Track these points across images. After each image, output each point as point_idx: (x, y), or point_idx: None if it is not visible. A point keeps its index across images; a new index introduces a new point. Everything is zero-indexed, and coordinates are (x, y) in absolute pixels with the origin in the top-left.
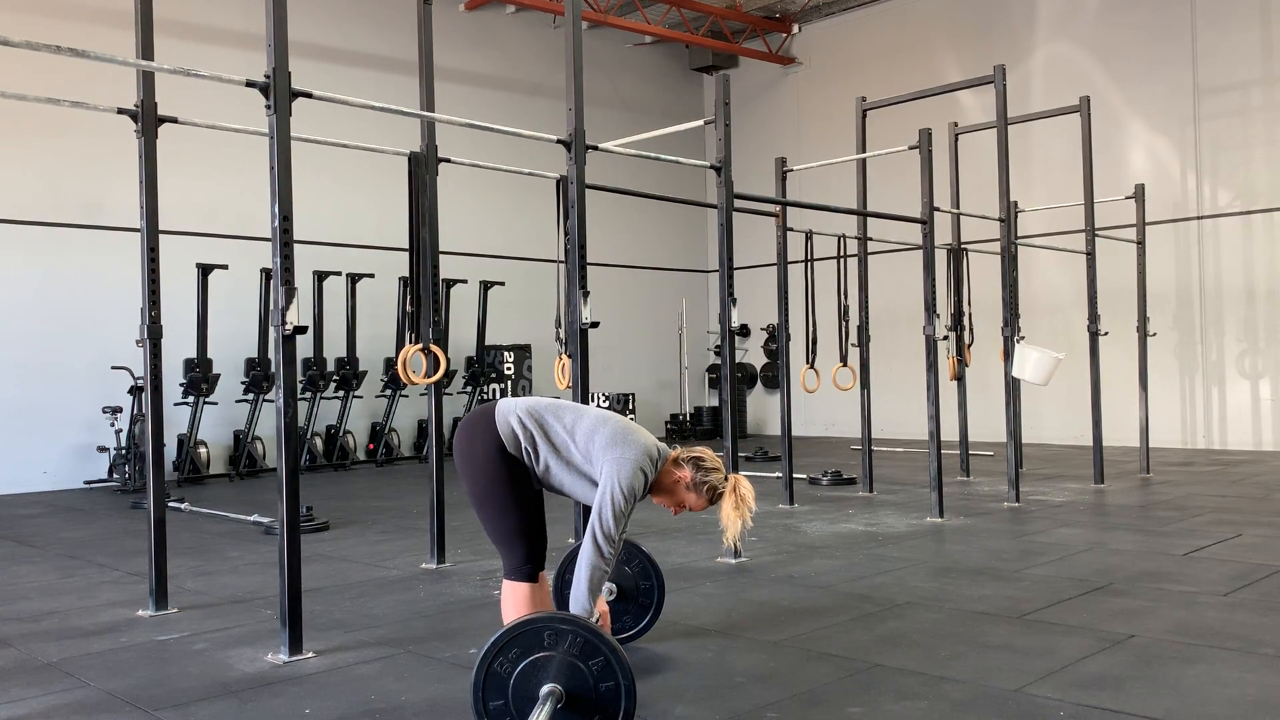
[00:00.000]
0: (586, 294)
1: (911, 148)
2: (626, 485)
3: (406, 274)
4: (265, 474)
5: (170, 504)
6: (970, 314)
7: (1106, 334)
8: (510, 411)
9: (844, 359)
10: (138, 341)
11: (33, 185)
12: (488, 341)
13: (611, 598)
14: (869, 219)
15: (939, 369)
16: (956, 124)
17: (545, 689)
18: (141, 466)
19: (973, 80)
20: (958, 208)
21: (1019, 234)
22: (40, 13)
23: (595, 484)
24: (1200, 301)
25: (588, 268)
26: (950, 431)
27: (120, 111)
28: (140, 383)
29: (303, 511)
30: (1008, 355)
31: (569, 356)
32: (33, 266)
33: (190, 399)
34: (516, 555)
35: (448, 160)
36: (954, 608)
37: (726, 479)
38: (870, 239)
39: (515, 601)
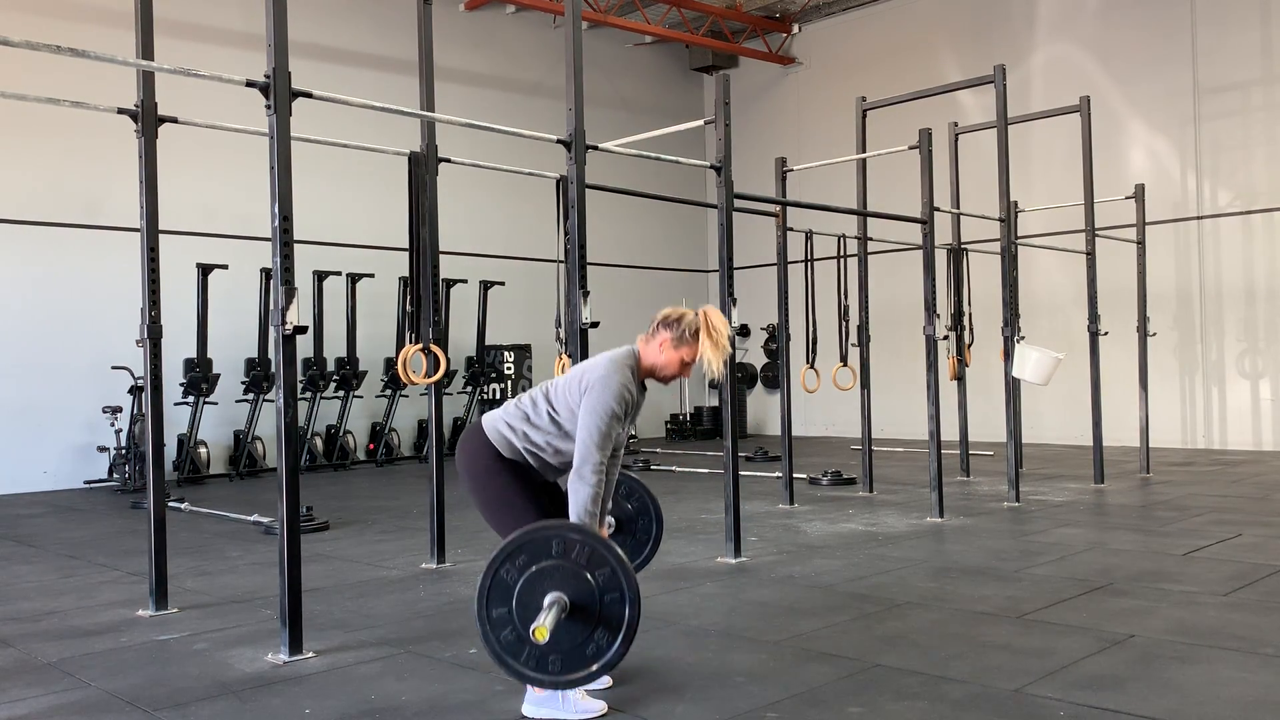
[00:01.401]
0: (586, 294)
1: (911, 148)
2: (604, 407)
3: (406, 274)
4: (265, 474)
5: (170, 504)
6: (970, 314)
7: (1106, 334)
8: (497, 419)
9: (844, 359)
10: (138, 341)
11: (33, 185)
12: (488, 341)
13: (610, 531)
14: (869, 219)
15: (939, 369)
16: (956, 124)
17: (550, 597)
18: (141, 466)
19: (973, 80)
20: (958, 208)
21: (1019, 234)
22: (40, 13)
23: None
24: (1200, 301)
25: (588, 268)
26: (950, 431)
27: (120, 111)
28: (140, 383)
29: (303, 511)
30: (1008, 355)
31: (569, 356)
32: (33, 266)
33: (190, 399)
34: None
35: (448, 160)
36: (954, 608)
37: (697, 314)
38: (870, 239)
39: None
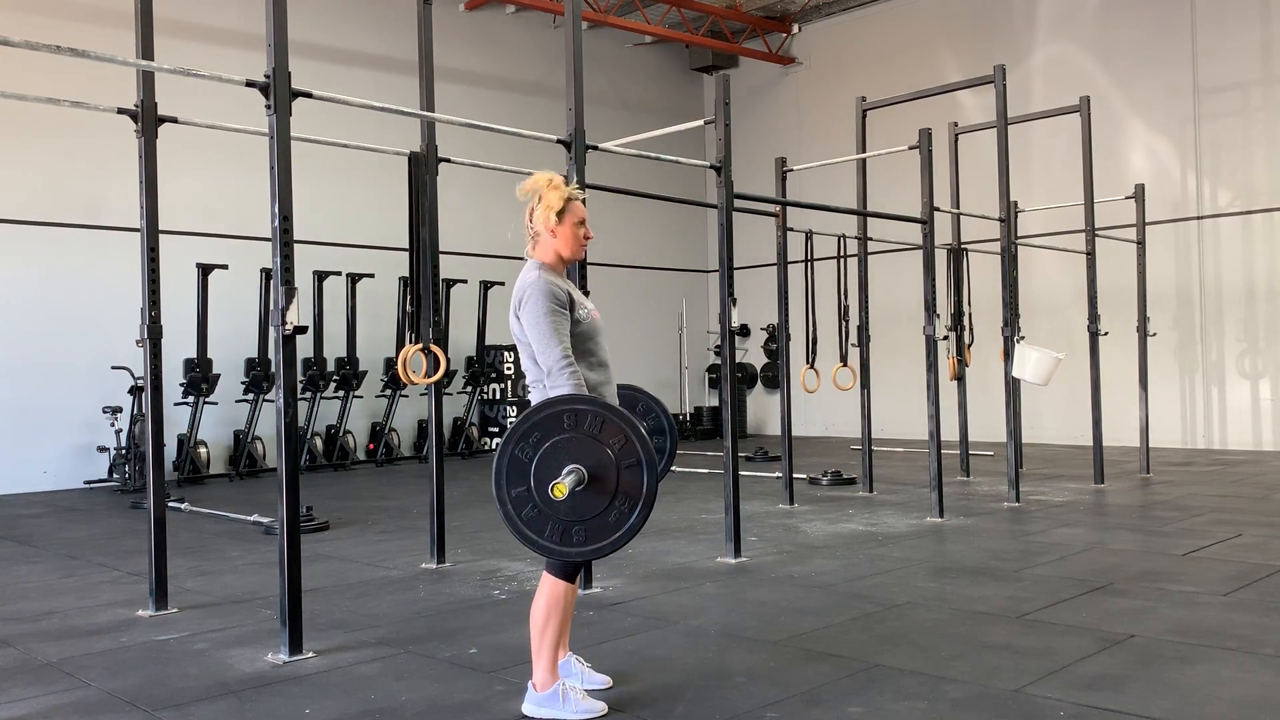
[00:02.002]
0: (587, 294)
1: (911, 148)
2: (540, 306)
3: (406, 274)
4: (265, 474)
5: (170, 504)
6: (970, 314)
7: (1106, 334)
8: (532, 396)
9: (844, 359)
10: (138, 341)
11: (33, 185)
12: (488, 341)
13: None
14: (869, 219)
15: (939, 369)
16: (956, 124)
17: (568, 468)
18: (141, 466)
19: (973, 80)
20: (958, 208)
21: (1019, 234)
22: (40, 13)
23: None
24: (1200, 301)
25: (588, 268)
26: (950, 431)
27: (120, 111)
28: (140, 383)
29: (303, 511)
30: (1008, 355)
31: None
32: (33, 266)
33: (190, 399)
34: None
35: (448, 160)
36: (954, 608)
37: (542, 181)
38: (870, 239)
39: (551, 597)
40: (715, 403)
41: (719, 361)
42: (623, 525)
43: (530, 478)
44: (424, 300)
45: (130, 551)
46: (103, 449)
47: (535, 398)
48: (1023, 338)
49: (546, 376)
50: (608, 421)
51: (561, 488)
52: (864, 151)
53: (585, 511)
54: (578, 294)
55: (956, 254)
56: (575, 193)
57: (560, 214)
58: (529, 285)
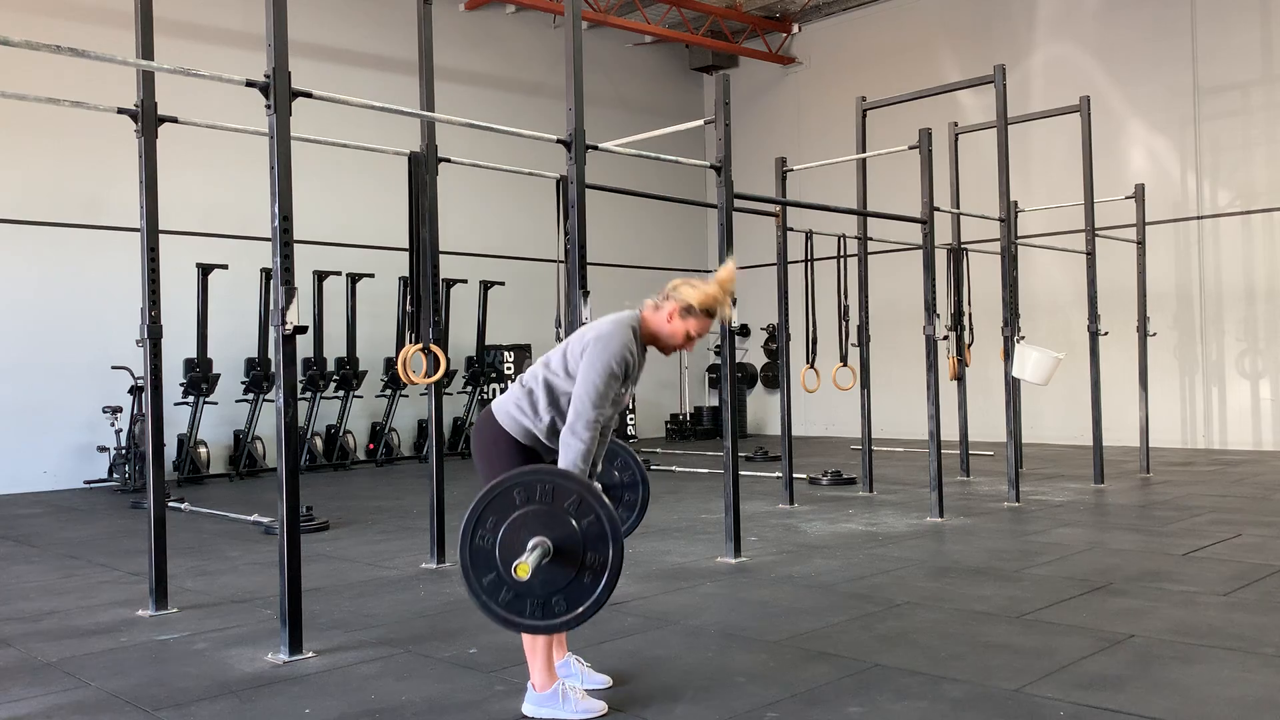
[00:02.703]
0: (586, 294)
1: (911, 148)
2: (603, 365)
3: (406, 274)
4: (265, 474)
5: (170, 504)
6: (970, 314)
7: (1106, 334)
8: (507, 404)
9: (844, 359)
10: (138, 341)
11: (33, 185)
12: (488, 341)
13: None
14: (869, 219)
15: (939, 369)
16: (956, 124)
17: (534, 541)
18: (141, 466)
19: (973, 80)
20: (958, 208)
21: (1019, 234)
22: (40, 13)
23: None
24: (1200, 301)
25: (588, 268)
26: (950, 431)
27: (120, 111)
28: (140, 383)
29: (303, 511)
30: (1008, 355)
31: None
32: (33, 266)
33: (190, 399)
34: None
35: (448, 160)
36: (954, 608)
37: (707, 284)
38: (870, 239)
39: None
40: (715, 403)
41: (719, 361)
42: (599, 581)
43: (497, 564)
44: (424, 300)
45: (130, 551)
46: (103, 449)
47: (513, 406)
48: (1023, 338)
49: (570, 420)
50: (558, 486)
51: (524, 567)
52: (864, 151)
53: (560, 580)
54: (640, 361)
55: (956, 254)
56: (724, 311)
57: (693, 312)
58: (612, 333)
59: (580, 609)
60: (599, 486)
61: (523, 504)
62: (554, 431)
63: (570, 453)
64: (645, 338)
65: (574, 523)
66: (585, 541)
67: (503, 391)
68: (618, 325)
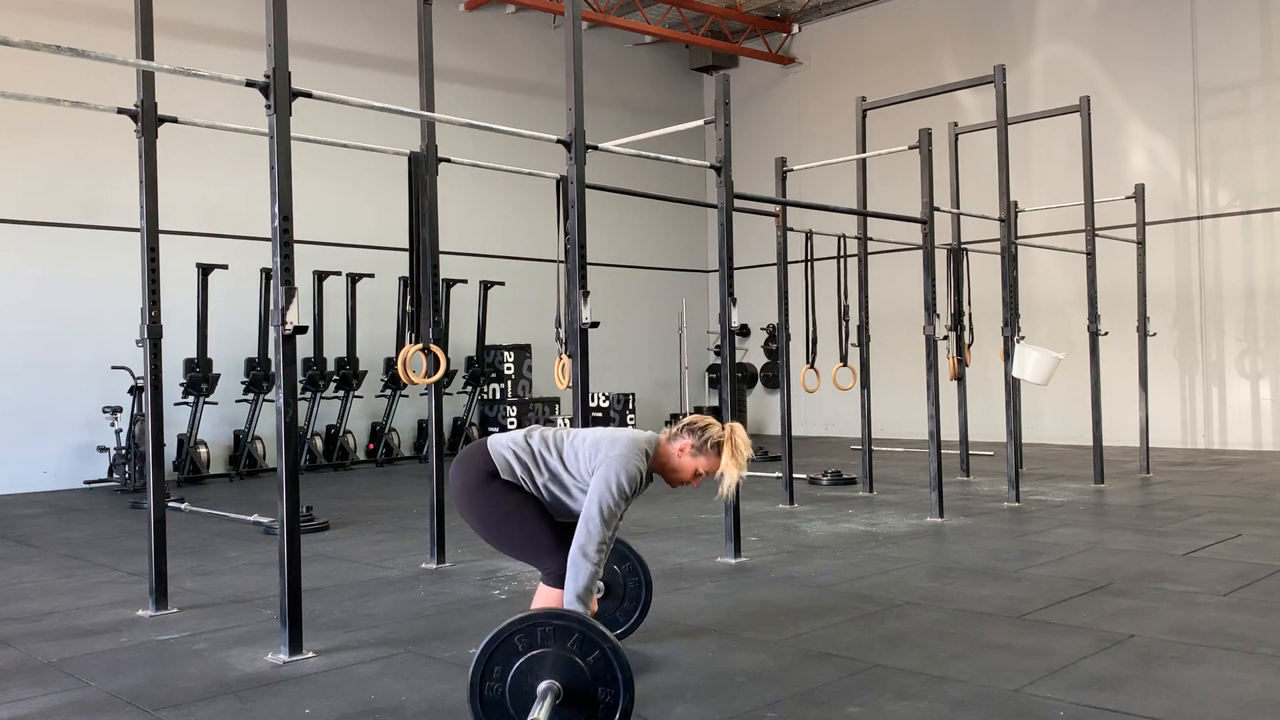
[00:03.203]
0: (586, 294)
1: (911, 148)
2: (617, 485)
3: (406, 274)
4: (265, 474)
5: (170, 504)
6: (970, 314)
7: (1106, 334)
8: (504, 446)
9: (844, 359)
10: (138, 341)
11: (33, 185)
12: (488, 341)
13: (600, 595)
14: (869, 219)
15: (939, 369)
16: (956, 124)
17: (541, 687)
18: (141, 466)
19: (973, 80)
20: (958, 208)
21: (1019, 234)
22: (40, 13)
23: None
24: (1200, 301)
25: (588, 268)
26: (950, 431)
27: (120, 111)
28: (140, 383)
29: (303, 511)
30: (1008, 355)
31: (569, 356)
32: (33, 266)
33: (190, 399)
34: (549, 566)
35: (448, 160)
36: (954, 608)
37: (723, 428)
38: (870, 239)
39: (547, 603)
40: (715, 403)
41: (719, 361)
42: (617, 706)
43: (510, 711)
44: (424, 300)
45: (130, 551)
46: (103, 449)
47: (509, 453)
48: (1023, 338)
49: (581, 542)
50: (557, 628)
51: None
52: (864, 151)
53: (578, 718)
54: (643, 489)
55: (956, 254)
56: (730, 468)
57: (704, 452)
58: (630, 455)
59: None
60: (622, 653)
61: (525, 650)
62: (535, 491)
63: (582, 576)
64: (655, 465)
65: (580, 661)
66: (594, 678)
67: (502, 393)
68: (635, 446)
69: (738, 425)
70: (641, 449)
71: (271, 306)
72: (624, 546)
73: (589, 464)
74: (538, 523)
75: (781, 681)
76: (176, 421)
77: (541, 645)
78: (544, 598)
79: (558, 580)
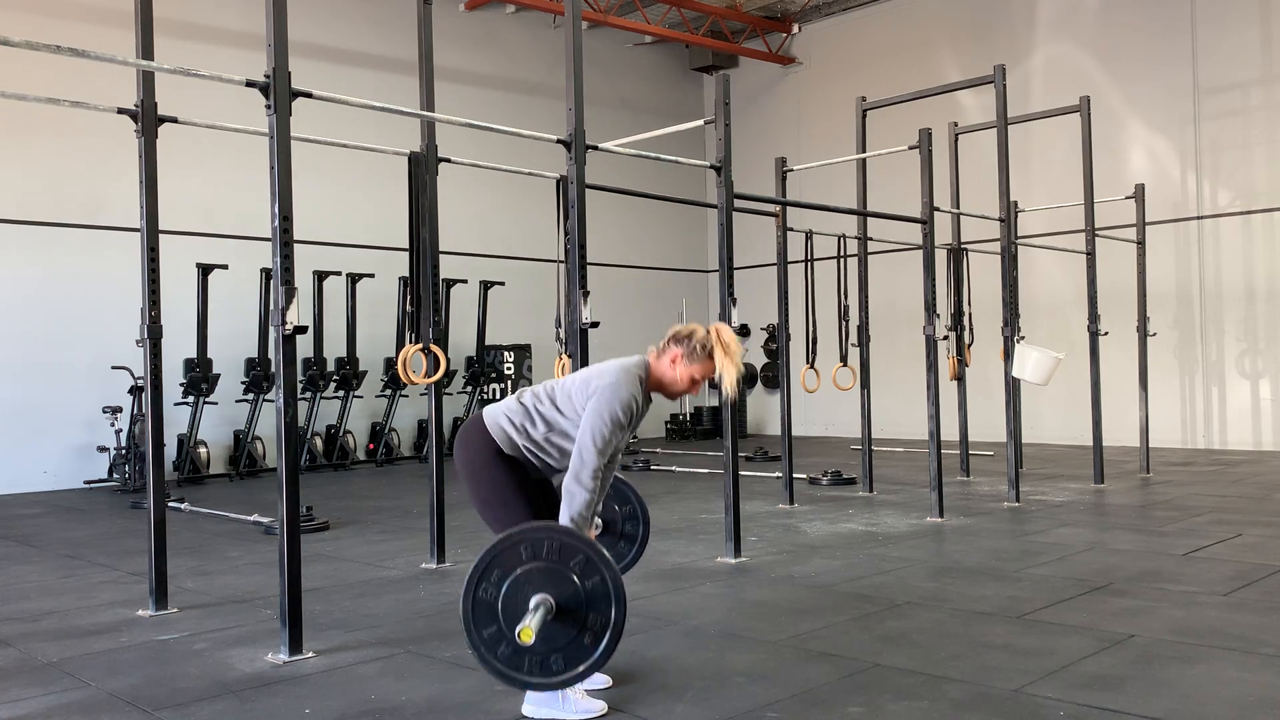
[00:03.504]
0: (586, 294)
1: (911, 148)
2: (610, 412)
3: (406, 274)
4: (265, 474)
5: (170, 504)
6: (970, 314)
7: (1106, 334)
8: (498, 414)
9: (844, 359)
10: (138, 341)
11: (33, 185)
12: (488, 341)
13: (599, 532)
14: (869, 219)
15: (939, 369)
16: (956, 124)
17: (536, 599)
18: (141, 466)
19: (973, 80)
20: (958, 208)
21: (1019, 234)
22: (40, 13)
23: None
24: (1200, 301)
25: (588, 268)
26: (950, 431)
27: (120, 111)
28: (140, 383)
29: (303, 511)
30: (1008, 355)
31: (569, 356)
32: (33, 266)
33: (190, 399)
34: None
35: (448, 160)
36: (954, 608)
37: (708, 331)
38: (870, 239)
39: None
40: (715, 403)
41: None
42: (600, 642)
43: (499, 617)
44: (424, 300)
45: (130, 551)
46: (103, 449)
47: (504, 419)
48: (1023, 338)
49: (575, 470)
50: (565, 545)
51: (528, 632)
52: (864, 151)
53: (559, 640)
54: (644, 409)
55: (956, 254)
56: (727, 367)
57: (696, 355)
58: (620, 382)
59: (579, 669)
60: (612, 564)
61: (529, 559)
62: (539, 456)
63: (575, 502)
64: (651, 384)
65: (578, 582)
66: (588, 601)
67: (503, 393)
68: (625, 373)
69: (722, 325)
70: (633, 373)
71: (271, 306)
72: (627, 489)
73: (582, 401)
74: (526, 506)
75: (781, 681)
76: (176, 421)
77: (544, 559)
78: None
79: None
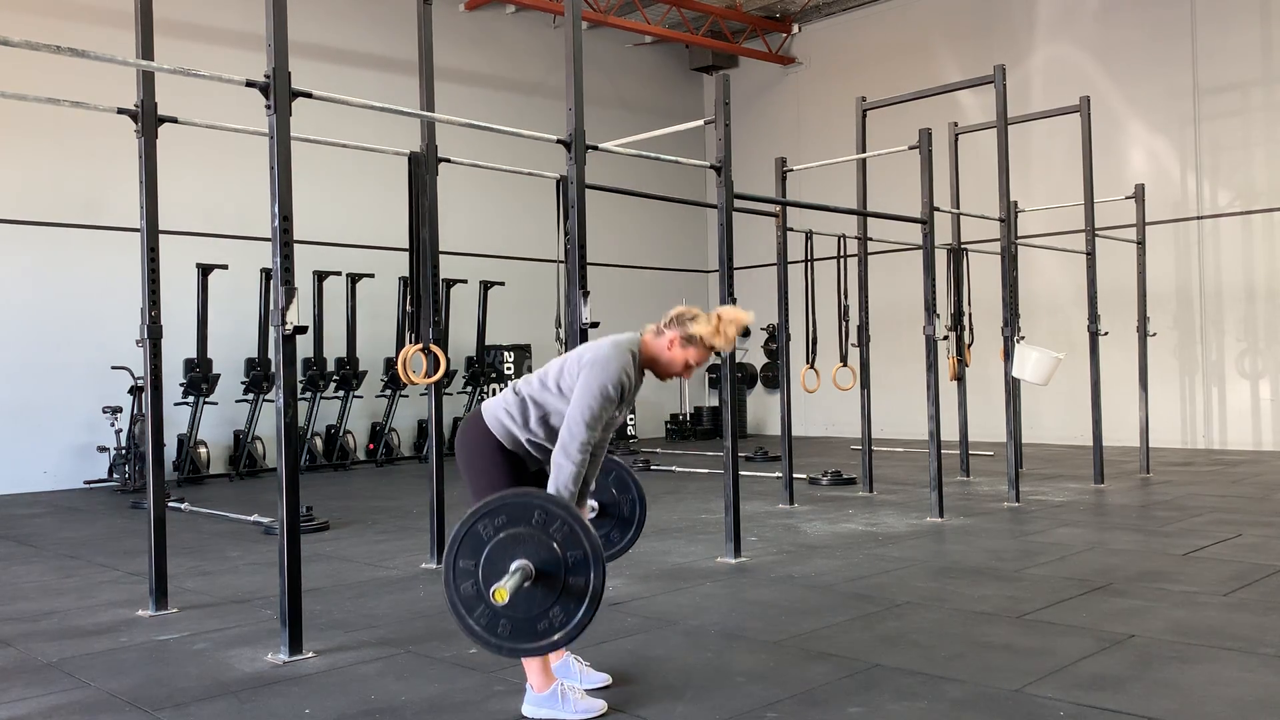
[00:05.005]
0: (586, 294)
1: (911, 148)
2: (599, 386)
3: (406, 274)
4: (265, 474)
5: (170, 504)
6: (970, 314)
7: (1106, 334)
8: (496, 408)
9: (844, 359)
10: (138, 341)
11: (33, 185)
12: (488, 341)
13: (594, 515)
14: (869, 219)
15: (939, 369)
16: (956, 124)
17: (517, 563)
18: (141, 466)
19: (973, 80)
20: (958, 208)
21: (1019, 234)
22: (40, 13)
23: None
24: (1200, 301)
25: (588, 268)
26: (950, 431)
27: (120, 111)
28: (140, 383)
29: (303, 511)
30: (1008, 355)
31: None
32: (33, 266)
33: (190, 399)
34: None
35: (448, 160)
36: (954, 608)
37: (711, 318)
38: (870, 239)
39: None
40: (715, 403)
41: (719, 361)
42: (547, 636)
43: (481, 557)
44: (424, 300)
45: (130, 551)
46: (103, 449)
47: (502, 411)
48: (1023, 338)
49: (563, 441)
50: (549, 512)
51: (502, 592)
52: (864, 151)
53: (519, 608)
54: (636, 385)
55: (956, 254)
56: (718, 344)
57: (694, 342)
58: (610, 356)
59: (556, 636)
60: (588, 519)
61: (536, 525)
62: (539, 445)
63: (561, 474)
64: (644, 362)
65: (558, 550)
66: (567, 568)
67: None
68: (617, 348)
69: (724, 309)
70: (625, 349)
71: (271, 306)
72: (628, 475)
73: (573, 378)
74: None
75: (781, 681)
76: (176, 421)
77: (526, 525)
78: None
79: None
